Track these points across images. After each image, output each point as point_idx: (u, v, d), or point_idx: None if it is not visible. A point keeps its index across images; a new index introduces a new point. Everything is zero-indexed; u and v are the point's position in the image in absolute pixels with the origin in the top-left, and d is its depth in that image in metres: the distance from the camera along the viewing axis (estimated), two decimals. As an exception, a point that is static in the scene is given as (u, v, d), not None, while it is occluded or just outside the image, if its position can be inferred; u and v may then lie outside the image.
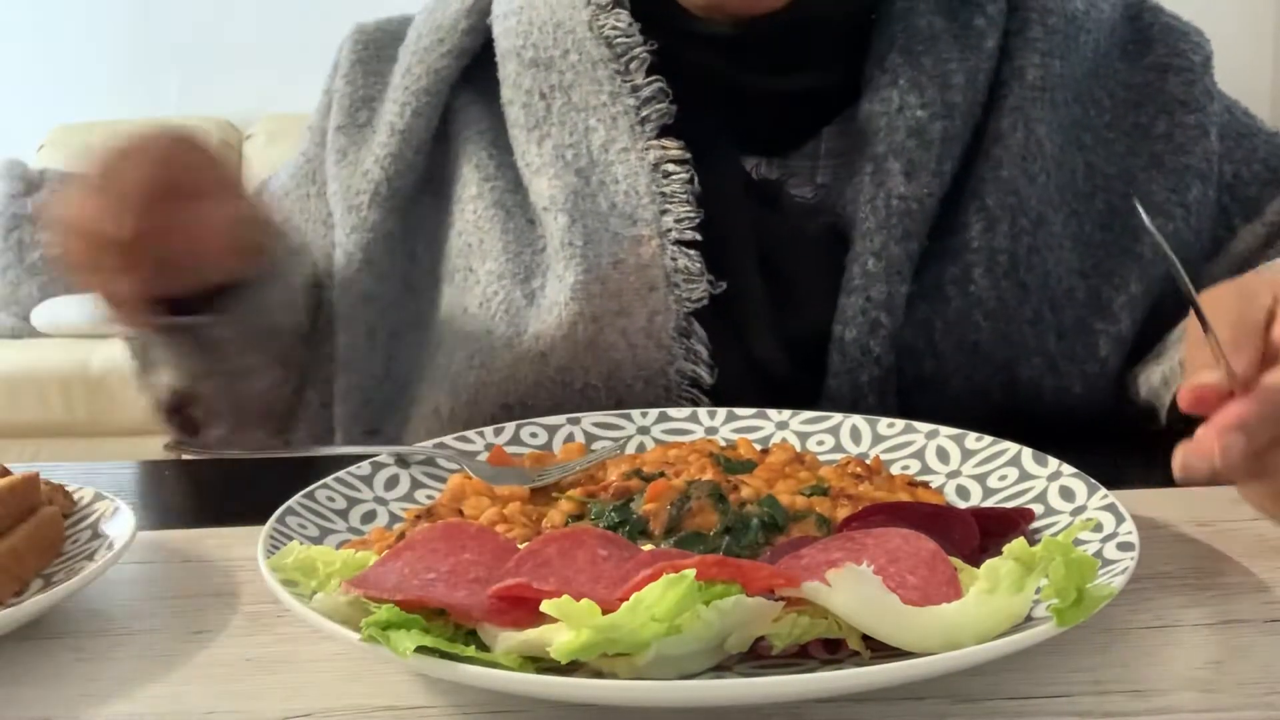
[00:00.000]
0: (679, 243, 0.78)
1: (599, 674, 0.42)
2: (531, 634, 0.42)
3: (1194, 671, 0.47)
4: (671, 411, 0.73)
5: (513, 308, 0.80)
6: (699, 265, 0.78)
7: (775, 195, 0.84)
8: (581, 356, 0.78)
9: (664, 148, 0.80)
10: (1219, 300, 0.59)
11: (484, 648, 0.43)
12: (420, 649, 0.42)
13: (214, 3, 4.02)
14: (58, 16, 4.03)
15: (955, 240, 0.80)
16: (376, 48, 0.95)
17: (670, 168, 0.80)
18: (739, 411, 0.73)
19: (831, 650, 0.45)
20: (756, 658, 0.45)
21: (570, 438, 0.70)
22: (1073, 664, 0.47)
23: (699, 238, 0.78)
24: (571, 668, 0.42)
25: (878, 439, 0.68)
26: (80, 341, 3.35)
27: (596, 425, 0.71)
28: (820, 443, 0.69)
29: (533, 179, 0.84)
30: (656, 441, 0.70)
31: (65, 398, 3.23)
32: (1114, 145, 0.84)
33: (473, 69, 0.90)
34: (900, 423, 0.69)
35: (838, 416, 0.71)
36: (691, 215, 0.79)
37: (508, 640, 0.42)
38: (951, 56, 0.81)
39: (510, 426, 0.71)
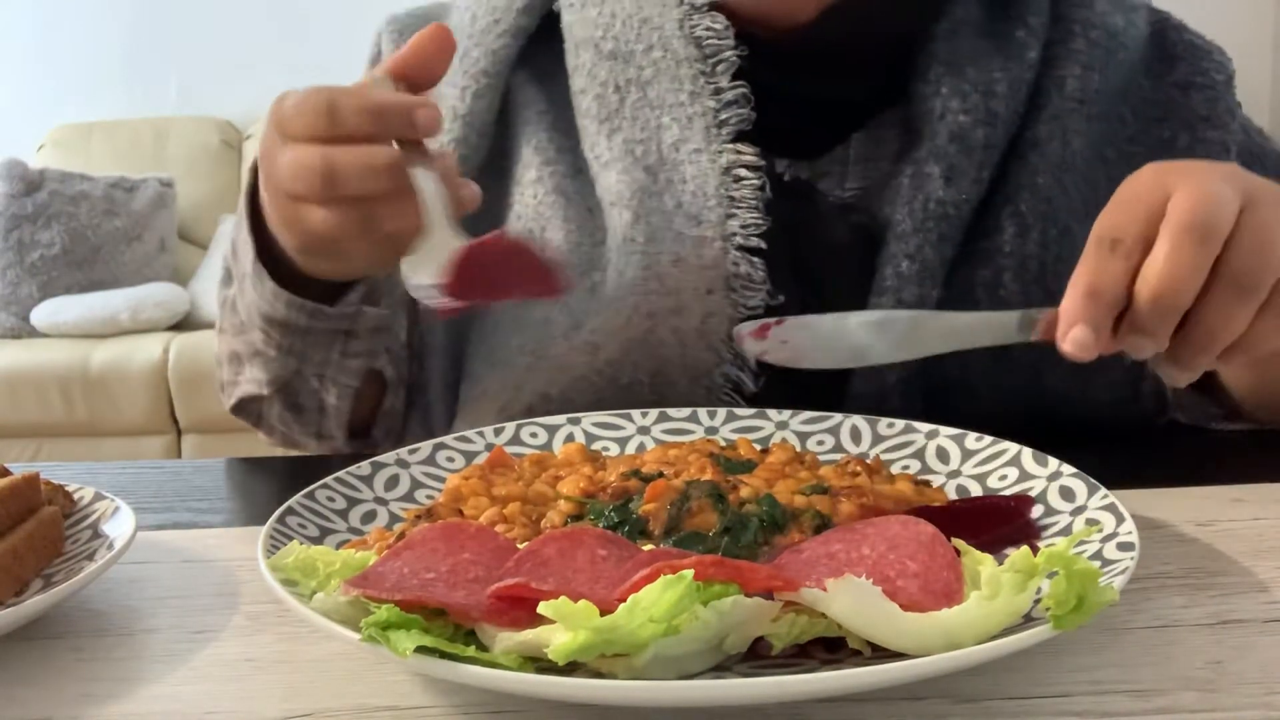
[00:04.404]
0: (743, 249, 0.78)
1: (598, 674, 0.42)
2: (530, 634, 0.42)
3: (1194, 671, 0.47)
4: (671, 411, 0.73)
5: (572, 300, 0.80)
6: (762, 274, 0.78)
7: (807, 195, 0.84)
8: (633, 352, 0.78)
9: (739, 152, 0.80)
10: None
11: (484, 648, 0.43)
12: (420, 649, 0.42)
13: (214, 3, 4.03)
14: (58, 16, 4.04)
15: (987, 244, 0.80)
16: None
17: (742, 172, 0.79)
18: (739, 411, 0.73)
19: (831, 650, 0.45)
20: (756, 658, 0.45)
21: (570, 438, 0.70)
22: (1072, 664, 0.47)
23: (764, 245, 0.78)
24: (571, 668, 0.42)
25: (878, 439, 0.68)
26: (80, 341, 3.35)
27: (596, 425, 0.71)
28: (820, 442, 0.69)
29: (600, 172, 0.83)
30: (656, 441, 0.70)
31: (65, 398, 3.24)
32: (1136, 160, 0.83)
33: (528, 48, 0.89)
34: (900, 423, 0.69)
35: (838, 416, 0.71)
36: (759, 221, 0.78)
37: (506, 640, 0.42)
38: (994, 66, 0.81)
39: (510, 426, 0.71)
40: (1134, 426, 0.81)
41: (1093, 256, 0.58)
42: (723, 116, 0.80)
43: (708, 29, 0.81)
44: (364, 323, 0.80)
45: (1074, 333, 0.57)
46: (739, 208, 0.78)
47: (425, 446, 0.68)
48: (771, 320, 0.64)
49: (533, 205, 0.84)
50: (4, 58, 4.04)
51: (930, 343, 0.62)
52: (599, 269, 0.81)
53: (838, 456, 0.66)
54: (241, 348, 0.87)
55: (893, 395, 0.78)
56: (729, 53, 0.81)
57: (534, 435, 0.71)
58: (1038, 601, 0.45)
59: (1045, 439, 0.63)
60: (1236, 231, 0.56)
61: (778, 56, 0.82)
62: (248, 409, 0.90)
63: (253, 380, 0.87)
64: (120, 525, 0.59)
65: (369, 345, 0.82)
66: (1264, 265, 0.56)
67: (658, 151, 0.81)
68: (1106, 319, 0.57)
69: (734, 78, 0.81)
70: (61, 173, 3.64)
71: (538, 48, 0.89)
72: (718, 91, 0.81)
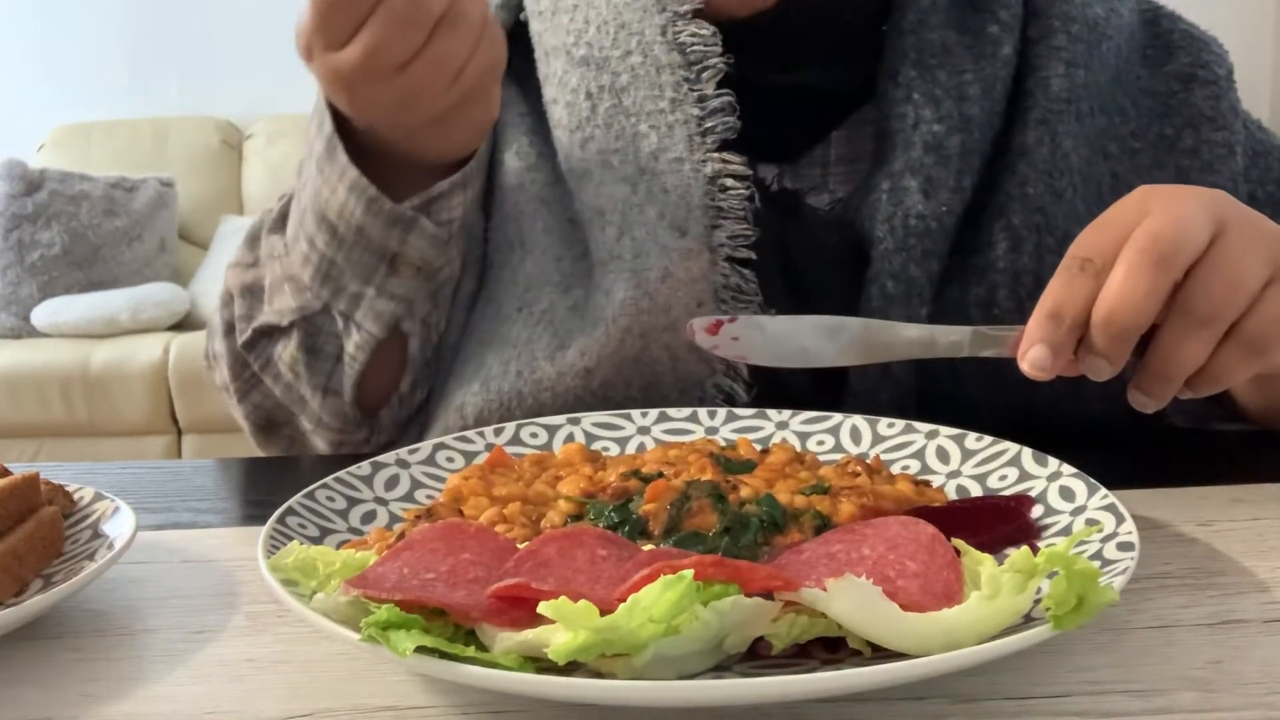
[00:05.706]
0: (731, 259, 0.77)
1: (598, 674, 0.42)
2: (530, 634, 0.42)
3: (1193, 671, 0.47)
4: (671, 411, 0.73)
5: (555, 318, 0.79)
6: (753, 286, 0.77)
7: (795, 206, 0.83)
8: (625, 371, 0.77)
9: (725, 160, 0.78)
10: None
11: (484, 648, 0.43)
12: (420, 649, 0.42)
13: (214, 3, 4.03)
14: (58, 16, 4.04)
15: (979, 259, 0.78)
16: None
17: (728, 182, 0.78)
18: (739, 411, 0.73)
19: (831, 650, 0.45)
20: (756, 658, 0.45)
21: (570, 438, 0.70)
22: (1072, 664, 0.47)
23: (753, 256, 0.77)
24: (571, 668, 0.42)
25: (878, 439, 0.68)
26: (80, 341, 3.35)
27: (596, 425, 0.71)
28: (820, 443, 0.69)
29: (578, 185, 0.82)
30: (656, 441, 0.70)
31: (65, 398, 3.24)
32: (1139, 156, 0.83)
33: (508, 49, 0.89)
34: (900, 423, 0.69)
35: (838, 416, 0.71)
36: (747, 232, 0.77)
37: (506, 640, 0.42)
38: (966, 67, 0.80)
39: (510, 426, 0.71)
40: (1131, 430, 0.81)
41: (1061, 276, 0.57)
42: (708, 124, 0.78)
43: (693, 35, 0.79)
44: (413, 247, 0.76)
45: (1032, 353, 0.57)
46: (726, 218, 0.77)
47: (425, 446, 0.68)
48: (725, 317, 0.65)
49: (512, 213, 0.83)
50: (4, 58, 4.04)
51: (880, 351, 0.62)
52: (580, 285, 0.80)
53: (838, 456, 0.66)
54: (270, 276, 0.84)
55: (887, 410, 0.77)
56: (716, 60, 0.79)
57: (534, 435, 0.71)
58: (1038, 601, 0.45)
59: (1045, 439, 0.63)
60: (1201, 261, 0.55)
61: (747, 45, 0.80)
62: (259, 345, 0.86)
63: (276, 311, 0.83)
64: (120, 525, 0.59)
65: (407, 288, 0.79)
66: (1224, 297, 0.56)
67: (635, 161, 0.80)
68: (1067, 340, 0.57)
69: (717, 86, 0.79)
70: (61, 173, 3.64)
71: (515, 51, 0.87)
72: (701, 99, 0.79)
